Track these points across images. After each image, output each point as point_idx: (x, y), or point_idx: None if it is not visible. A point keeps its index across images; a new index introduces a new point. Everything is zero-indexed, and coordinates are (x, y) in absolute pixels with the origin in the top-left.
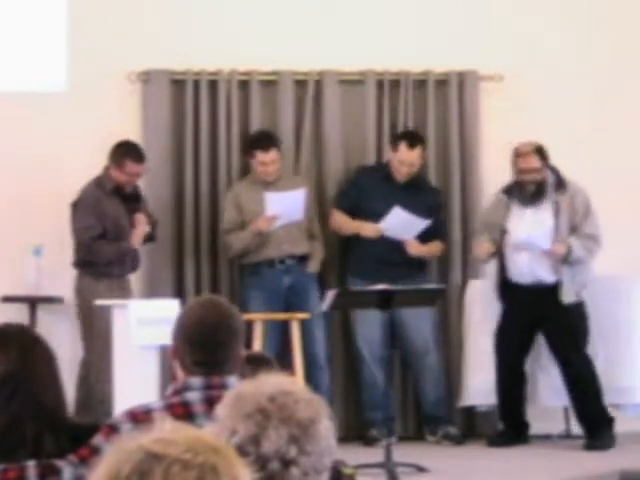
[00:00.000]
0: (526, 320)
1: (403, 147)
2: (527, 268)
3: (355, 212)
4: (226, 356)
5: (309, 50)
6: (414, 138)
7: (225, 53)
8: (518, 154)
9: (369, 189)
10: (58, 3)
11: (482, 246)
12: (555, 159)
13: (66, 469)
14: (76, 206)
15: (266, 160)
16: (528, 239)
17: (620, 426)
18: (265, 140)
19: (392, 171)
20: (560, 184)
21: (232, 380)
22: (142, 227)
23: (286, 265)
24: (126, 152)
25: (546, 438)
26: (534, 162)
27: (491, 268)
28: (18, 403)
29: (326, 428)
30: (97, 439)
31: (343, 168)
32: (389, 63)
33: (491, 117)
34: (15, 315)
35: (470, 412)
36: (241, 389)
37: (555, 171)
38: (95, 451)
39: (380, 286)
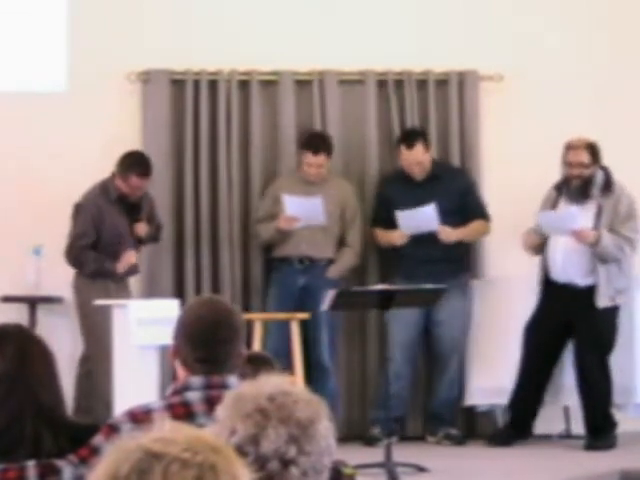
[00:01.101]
0: (558, 320)
1: (403, 150)
2: (560, 264)
3: (393, 223)
4: (227, 353)
5: (309, 50)
6: (410, 137)
7: (225, 53)
8: (569, 147)
9: (394, 196)
10: (58, 3)
11: (529, 236)
12: (554, 159)
13: (66, 469)
14: (77, 210)
15: (312, 162)
16: (559, 214)
17: (620, 426)
18: (317, 143)
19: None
20: (607, 186)
21: (232, 380)
22: (128, 258)
23: (304, 265)
24: (132, 165)
25: (546, 438)
26: (583, 157)
27: (534, 264)
28: (16, 402)
29: (325, 428)
30: (97, 439)
31: (343, 168)
32: (389, 63)
33: (491, 117)
34: (15, 315)
35: (470, 412)
36: (241, 389)
37: (606, 172)
38: (95, 451)
39: (379, 286)
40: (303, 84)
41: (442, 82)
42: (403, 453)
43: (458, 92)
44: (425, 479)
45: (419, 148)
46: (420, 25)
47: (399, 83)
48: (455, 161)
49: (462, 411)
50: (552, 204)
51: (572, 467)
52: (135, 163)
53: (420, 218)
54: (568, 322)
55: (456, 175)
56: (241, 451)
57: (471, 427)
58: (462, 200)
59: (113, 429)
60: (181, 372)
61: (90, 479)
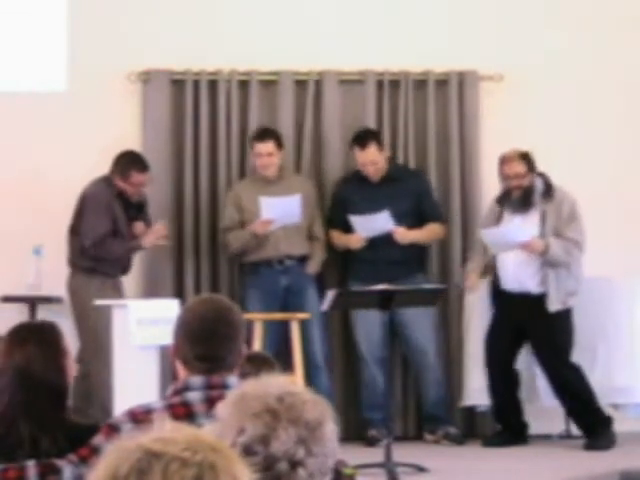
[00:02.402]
0: (512, 326)
1: (356, 150)
2: (512, 275)
3: (348, 224)
4: (227, 350)
5: (309, 50)
6: (363, 138)
7: (225, 53)
8: (503, 160)
9: (350, 198)
10: (58, 3)
11: (469, 278)
12: (554, 159)
13: (66, 468)
14: (86, 202)
15: (262, 151)
16: (503, 230)
17: (620, 426)
18: (262, 132)
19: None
20: (548, 191)
21: (232, 380)
22: (156, 233)
23: (284, 266)
24: (130, 163)
25: (546, 438)
26: (518, 167)
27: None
28: (13, 402)
29: (331, 430)
30: (97, 439)
31: (343, 168)
32: (389, 63)
33: (491, 117)
34: (15, 315)
35: (470, 412)
36: (245, 389)
37: (544, 178)
38: (95, 451)
39: (380, 286)
40: (303, 84)
41: (442, 82)
42: (403, 453)
43: (458, 92)
44: (425, 479)
45: (372, 148)
46: (420, 25)
47: (398, 83)
48: (454, 161)
49: (461, 411)
50: (496, 218)
51: (572, 467)
52: (132, 160)
53: (375, 222)
54: (522, 327)
55: (412, 177)
56: (249, 451)
57: (470, 427)
58: (417, 202)
59: (113, 429)
60: (182, 372)
61: (90, 478)
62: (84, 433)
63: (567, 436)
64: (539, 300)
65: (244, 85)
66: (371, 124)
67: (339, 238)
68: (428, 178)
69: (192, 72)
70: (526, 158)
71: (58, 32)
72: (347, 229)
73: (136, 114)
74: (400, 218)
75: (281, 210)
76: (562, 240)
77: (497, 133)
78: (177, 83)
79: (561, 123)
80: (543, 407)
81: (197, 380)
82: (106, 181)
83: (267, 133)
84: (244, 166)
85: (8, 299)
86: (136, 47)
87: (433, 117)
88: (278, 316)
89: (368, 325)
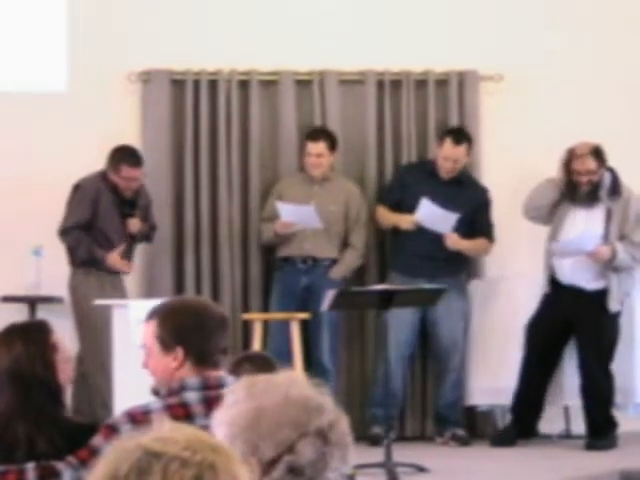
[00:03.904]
0: (561, 320)
1: (448, 143)
2: (569, 269)
3: (399, 208)
4: (214, 343)
5: (309, 50)
6: (460, 134)
7: (225, 53)
8: (574, 154)
9: (413, 186)
10: (58, 3)
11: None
12: (554, 159)
13: (66, 472)
14: (75, 189)
15: (312, 151)
16: (574, 240)
17: (620, 426)
18: (316, 132)
19: (437, 167)
20: (615, 189)
21: (229, 379)
22: (121, 266)
23: (307, 265)
24: (122, 157)
25: (546, 438)
26: (590, 164)
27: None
28: (7, 403)
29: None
30: (96, 440)
31: (343, 168)
32: (389, 63)
33: (491, 117)
34: (15, 315)
35: (471, 412)
36: (265, 401)
37: (613, 173)
38: (94, 452)
39: (380, 286)
40: (303, 84)
41: (442, 82)
42: (403, 453)
43: (458, 92)
44: (425, 479)
45: (463, 148)
46: (420, 25)
47: (399, 83)
48: None
49: (463, 411)
50: (557, 209)
51: (572, 467)
52: (124, 155)
53: (440, 219)
54: (570, 323)
55: (477, 188)
56: (298, 471)
57: (471, 427)
58: (473, 213)
59: (112, 430)
60: (175, 372)
61: (90, 478)
62: (82, 432)
63: (567, 436)
64: (594, 297)
65: (244, 85)
66: (371, 124)
67: (389, 216)
68: (491, 196)
69: (192, 72)
70: (598, 153)
71: (58, 32)
72: (396, 210)
73: (136, 114)
74: (455, 224)
75: (297, 216)
76: (629, 245)
77: (497, 133)
78: (177, 83)
79: (561, 123)
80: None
81: (194, 380)
82: (101, 175)
83: (320, 134)
84: (244, 166)
85: (8, 299)
86: (136, 47)
87: (433, 117)
88: (279, 316)
89: (401, 324)
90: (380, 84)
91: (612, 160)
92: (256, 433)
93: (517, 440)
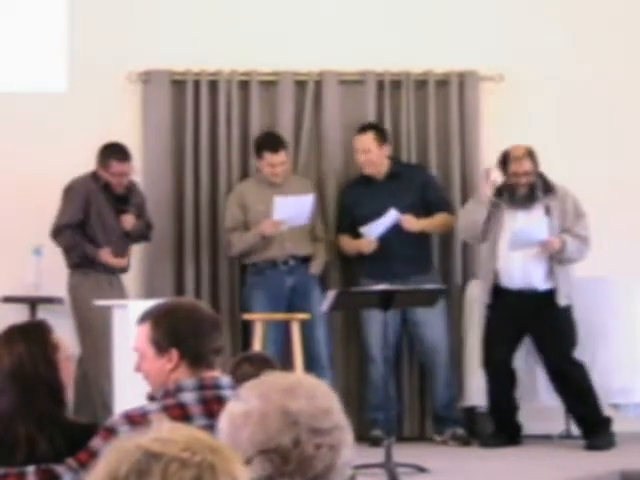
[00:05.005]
0: (514, 325)
1: (355, 138)
2: (520, 272)
3: (355, 227)
4: (208, 344)
5: (309, 50)
6: (364, 126)
7: (225, 53)
8: (510, 158)
9: (354, 201)
10: (58, 3)
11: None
12: (554, 159)
13: (66, 475)
14: (66, 191)
15: (275, 162)
16: (525, 228)
17: (620, 426)
18: (274, 141)
19: (366, 171)
20: (548, 188)
21: (225, 380)
22: (116, 263)
23: (289, 266)
24: (110, 153)
25: (546, 438)
26: (528, 165)
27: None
28: (9, 403)
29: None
30: (95, 442)
31: (343, 168)
32: (389, 63)
33: (491, 117)
34: (15, 316)
35: (470, 412)
36: (269, 406)
37: (542, 175)
38: (94, 455)
39: (381, 286)
40: (303, 84)
41: (442, 82)
42: (403, 453)
43: (458, 92)
44: (425, 479)
45: (369, 136)
46: (420, 25)
47: (399, 83)
48: (455, 161)
49: (462, 412)
50: (494, 211)
51: (572, 467)
52: (112, 151)
53: (383, 224)
54: (523, 325)
55: (414, 171)
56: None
57: (470, 428)
58: (422, 194)
59: (111, 432)
60: (170, 374)
61: (89, 479)
62: (81, 432)
63: (567, 436)
64: (545, 296)
65: (244, 85)
66: None
67: (350, 243)
68: (431, 171)
69: (192, 72)
70: (532, 154)
71: (58, 32)
72: (356, 233)
73: (136, 114)
74: (406, 212)
75: (294, 210)
76: (574, 237)
77: (497, 133)
78: (177, 83)
79: (561, 123)
80: (543, 407)
81: (190, 381)
82: (91, 175)
83: (278, 143)
84: (244, 166)
85: (8, 299)
86: (136, 47)
87: (433, 117)
88: (279, 316)
89: (379, 324)
90: (380, 84)
91: (612, 160)
92: (230, 439)
93: (504, 445)
